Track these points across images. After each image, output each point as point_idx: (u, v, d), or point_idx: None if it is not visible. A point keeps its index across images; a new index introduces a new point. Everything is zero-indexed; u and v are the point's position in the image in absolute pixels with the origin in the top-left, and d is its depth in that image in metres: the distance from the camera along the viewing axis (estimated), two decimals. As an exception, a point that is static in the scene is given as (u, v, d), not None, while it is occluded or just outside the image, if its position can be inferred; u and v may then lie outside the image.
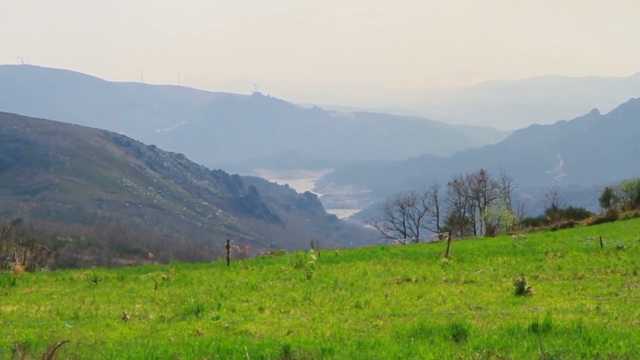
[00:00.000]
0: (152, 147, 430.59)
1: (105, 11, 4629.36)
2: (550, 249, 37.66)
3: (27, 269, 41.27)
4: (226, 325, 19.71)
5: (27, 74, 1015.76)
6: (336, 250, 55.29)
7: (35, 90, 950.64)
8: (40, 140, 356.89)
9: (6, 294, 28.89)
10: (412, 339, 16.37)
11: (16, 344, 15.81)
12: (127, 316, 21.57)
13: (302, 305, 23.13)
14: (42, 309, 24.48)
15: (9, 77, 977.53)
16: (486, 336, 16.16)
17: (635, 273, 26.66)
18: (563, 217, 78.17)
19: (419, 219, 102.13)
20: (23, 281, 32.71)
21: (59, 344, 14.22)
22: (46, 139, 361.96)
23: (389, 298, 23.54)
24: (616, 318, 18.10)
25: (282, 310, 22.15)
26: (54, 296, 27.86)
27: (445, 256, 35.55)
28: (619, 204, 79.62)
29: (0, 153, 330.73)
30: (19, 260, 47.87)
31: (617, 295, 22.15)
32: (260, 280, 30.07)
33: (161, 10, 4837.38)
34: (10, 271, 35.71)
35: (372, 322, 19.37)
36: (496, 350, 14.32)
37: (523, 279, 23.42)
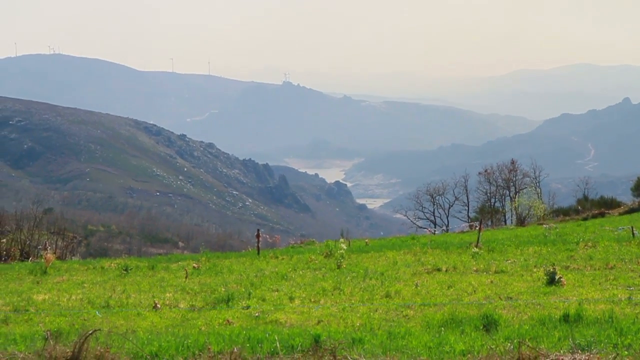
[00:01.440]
0: (183, 137, 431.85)
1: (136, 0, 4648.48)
2: (581, 239, 37.41)
3: (58, 258, 41.51)
4: (256, 314, 19.76)
5: (58, 63, 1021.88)
6: (366, 240, 55.36)
7: (66, 79, 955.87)
8: (72, 129, 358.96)
9: (38, 282, 29.07)
10: (442, 328, 16.34)
11: (48, 332, 15.91)
12: (158, 305, 21.65)
13: (332, 294, 23.11)
14: (73, 297, 24.61)
15: (40, 66, 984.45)
16: (517, 326, 16.10)
17: (667, 263, 26.48)
18: (594, 206, 77.81)
19: (449, 208, 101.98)
20: (54, 270, 32.89)
21: (90, 332, 14.30)
22: (77, 128, 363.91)
23: (419, 288, 23.49)
24: (648, 308, 17.97)
25: (312, 300, 22.15)
26: (85, 285, 27.98)
27: (476, 246, 35.38)
28: (650, 194, 79.20)
29: (32, 142, 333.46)
30: (50, 249, 48.27)
31: (649, 285, 22.00)
32: (291, 269, 30.05)
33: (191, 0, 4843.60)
34: (42, 260, 35.94)
35: (402, 312, 19.33)
36: (527, 340, 14.24)
37: (554, 269, 23.28)
